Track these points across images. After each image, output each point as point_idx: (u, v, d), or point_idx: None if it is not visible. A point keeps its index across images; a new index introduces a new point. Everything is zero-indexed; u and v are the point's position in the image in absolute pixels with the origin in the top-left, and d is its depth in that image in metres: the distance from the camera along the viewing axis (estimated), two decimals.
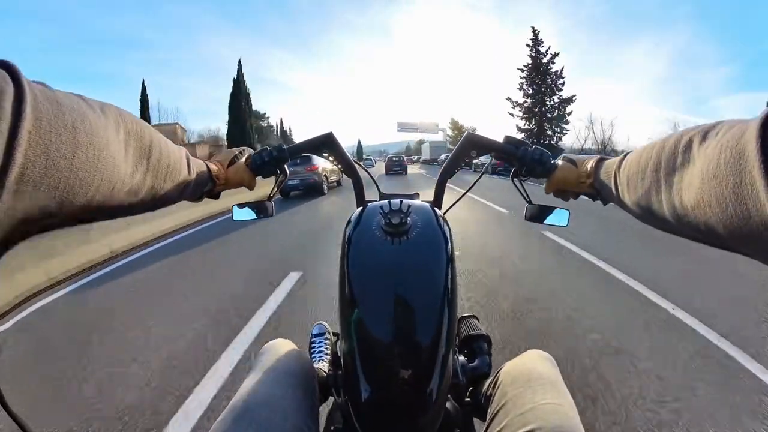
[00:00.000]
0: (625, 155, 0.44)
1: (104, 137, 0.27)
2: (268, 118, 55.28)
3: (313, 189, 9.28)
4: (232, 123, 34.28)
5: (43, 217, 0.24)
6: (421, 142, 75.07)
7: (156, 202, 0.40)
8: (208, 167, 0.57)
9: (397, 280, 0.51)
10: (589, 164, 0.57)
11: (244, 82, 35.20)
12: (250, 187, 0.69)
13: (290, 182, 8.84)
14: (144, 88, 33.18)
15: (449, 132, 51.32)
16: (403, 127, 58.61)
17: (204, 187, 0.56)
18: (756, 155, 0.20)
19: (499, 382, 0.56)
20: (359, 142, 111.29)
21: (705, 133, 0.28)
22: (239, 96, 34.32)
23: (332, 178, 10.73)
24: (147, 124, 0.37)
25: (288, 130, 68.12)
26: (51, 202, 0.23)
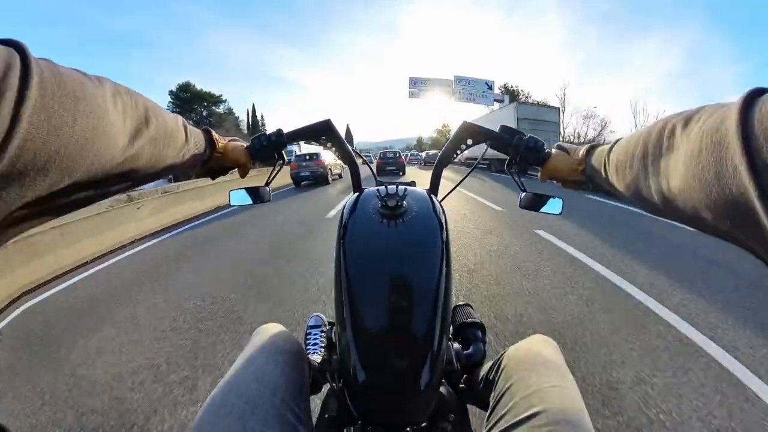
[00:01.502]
0: (615, 142, 0.44)
1: (103, 106, 0.28)
2: (224, 101, 43.57)
3: (320, 179, 11.73)
4: None
5: (47, 186, 0.24)
6: (443, 133, 53.49)
7: (156, 169, 0.40)
8: (208, 133, 0.58)
9: (392, 263, 0.51)
10: (581, 152, 0.57)
11: None
12: (243, 171, 0.68)
13: (303, 174, 11.50)
14: None
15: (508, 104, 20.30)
16: (420, 86, 26.72)
17: (203, 154, 0.56)
18: (737, 140, 0.21)
19: (502, 365, 0.57)
20: (348, 129, 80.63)
21: (687, 119, 0.28)
22: None
23: (335, 171, 12.92)
24: (141, 93, 0.37)
25: (260, 120, 54.06)
26: (52, 167, 0.24)
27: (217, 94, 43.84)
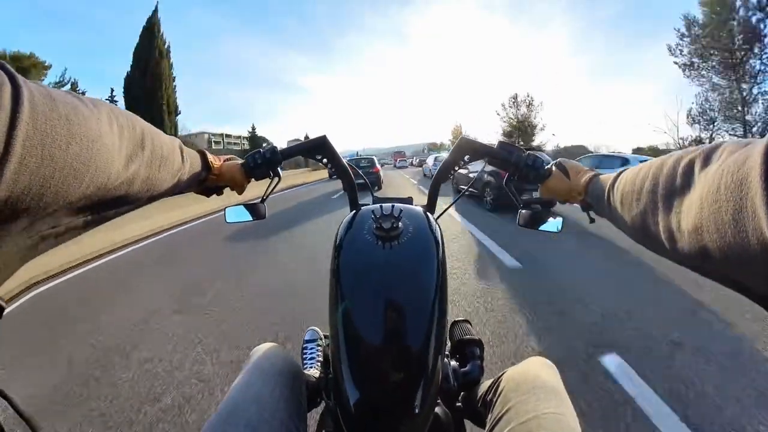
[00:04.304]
0: (620, 173, 0.43)
1: (97, 129, 0.28)
2: (49, 67, 19.31)
3: None
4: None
5: (42, 210, 0.24)
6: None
7: (152, 193, 0.40)
8: (204, 155, 0.58)
9: (387, 284, 0.51)
10: (582, 180, 0.56)
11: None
12: (240, 189, 0.68)
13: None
14: None
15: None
16: None
17: (199, 176, 0.56)
18: (759, 182, 0.19)
19: (501, 388, 0.56)
20: None
21: (707, 156, 0.27)
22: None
23: None
24: (137, 116, 0.37)
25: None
26: (47, 192, 0.23)
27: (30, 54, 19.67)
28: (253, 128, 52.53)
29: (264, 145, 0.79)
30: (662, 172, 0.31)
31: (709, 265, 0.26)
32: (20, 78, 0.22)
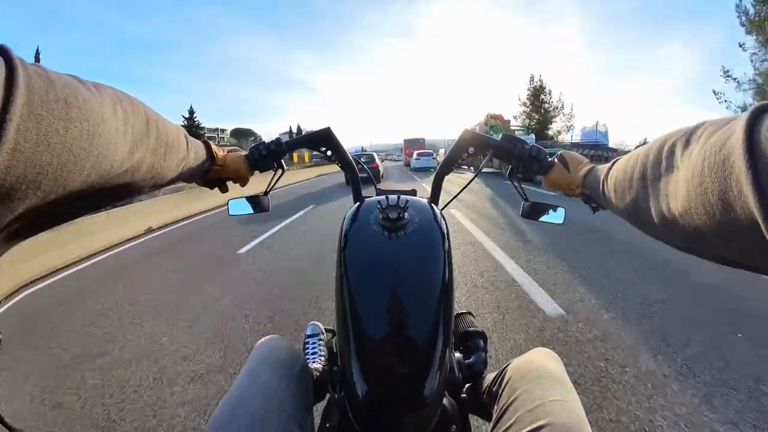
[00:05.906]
0: (613, 163, 0.44)
1: (99, 113, 0.26)
2: None
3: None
4: None
5: (39, 198, 0.23)
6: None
7: (156, 181, 0.39)
8: (208, 145, 0.57)
9: (394, 275, 0.51)
10: (581, 172, 0.57)
11: None
12: (244, 181, 0.68)
13: None
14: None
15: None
16: None
17: (203, 166, 0.55)
18: (743, 160, 0.19)
19: (507, 378, 0.57)
20: None
21: (687, 137, 0.27)
22: None
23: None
24: (142, 102, 0.36)
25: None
26: (44, 179, 0.22)
27: None
28: (191, 112, 38.77)
29: (252, 139, 0.77)
30: (649, 158, 0.32)
31: (704, 246, 0.26)
32: (17, 59, 0.21)
